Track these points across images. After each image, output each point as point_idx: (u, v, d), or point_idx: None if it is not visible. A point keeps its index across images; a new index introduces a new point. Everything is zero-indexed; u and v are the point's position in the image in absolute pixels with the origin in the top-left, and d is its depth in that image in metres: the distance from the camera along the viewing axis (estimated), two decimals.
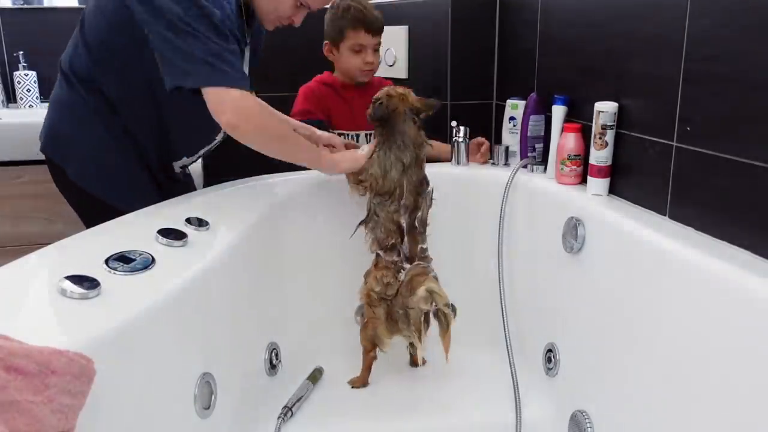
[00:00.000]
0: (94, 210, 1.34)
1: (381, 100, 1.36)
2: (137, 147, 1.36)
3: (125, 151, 1.35)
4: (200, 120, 1.28)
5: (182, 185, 1.51)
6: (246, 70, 1.38)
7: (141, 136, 1.36)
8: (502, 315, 1.48)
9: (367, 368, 1.45)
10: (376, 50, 1.76)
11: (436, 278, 1.34)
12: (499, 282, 1.51)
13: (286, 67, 2.06)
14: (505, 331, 1.46)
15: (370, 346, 1.41)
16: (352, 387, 1.45)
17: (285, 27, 1.40)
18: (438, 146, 1.83)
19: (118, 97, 1.31)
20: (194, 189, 1.56)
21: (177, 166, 1.49)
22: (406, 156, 1.35)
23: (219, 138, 1.47)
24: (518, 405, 1.36)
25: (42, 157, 1.82)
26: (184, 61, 1.18)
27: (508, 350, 1.44)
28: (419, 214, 1.38)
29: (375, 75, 1.91)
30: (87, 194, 1.36)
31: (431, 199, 1.42)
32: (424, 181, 1.40)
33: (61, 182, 1.40)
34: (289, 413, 1.31)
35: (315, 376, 1.44)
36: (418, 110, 1.37)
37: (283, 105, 1.68)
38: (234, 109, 1.21)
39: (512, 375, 1.41)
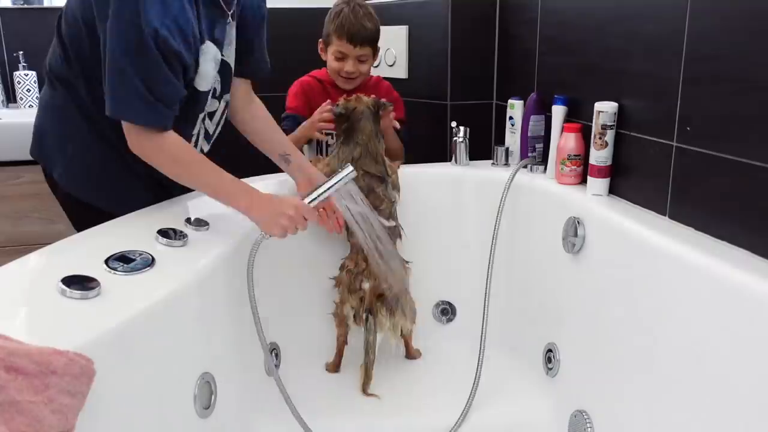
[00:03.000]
0: (81, 212, 1.31)
1: (340, 102, 1.52)
2: (118, 149, 1.25)
3: (107, 150, 1.28)
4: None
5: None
6: (228, 48, 1.28)
7: (118, 138, 1.22)
8: (484, 311, 1.47)
9: (338, 353, 1.54)
10: (362, 61, 1.70)
11: (391, 311, 1.44)
12: (487, 277, 1.50)
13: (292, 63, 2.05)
14: (483, 324, 1.45)
15: (341, 329, 1.50)
16: (327, 371, 1.54)
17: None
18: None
19: (93, 100, 1.23)
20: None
21: None
22: (357, 151, 1.46)
23: (195, 132, 1.33)
24: (469, 403, 1.38)
25: None
26: (108, 78, 1.11)
27: (481, 342, 1.44)
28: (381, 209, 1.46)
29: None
30: (74, 198, 1.32)
31: (389, 196, 1.49)
32: (379, 177, 1.48)
33: (52, 186, 1.35)
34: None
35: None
36: (374, 105, 1.51)
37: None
38: (141, 151, 1.17)
39: (478, 364, 1.41)
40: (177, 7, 1.08)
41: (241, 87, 1.41)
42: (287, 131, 1.73)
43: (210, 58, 1.22)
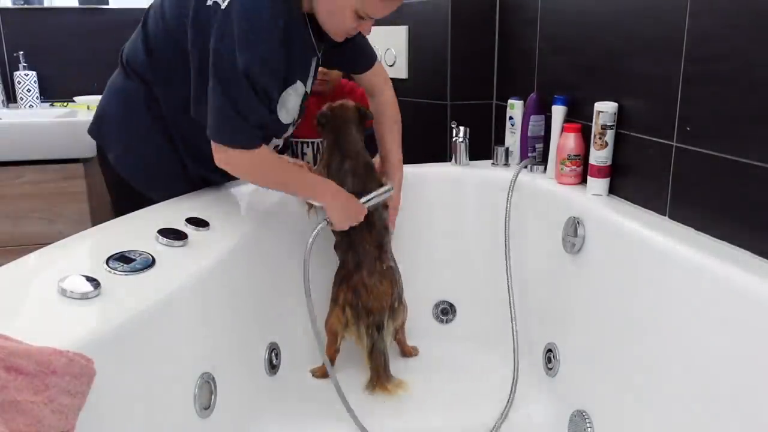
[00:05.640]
0: (127, 197, 1.37)
1: (324, 109, 1.50)
2: (176, 146, 1.37)
3: (166, 146, 1.36)
4: None
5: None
6: (309, 80, 1.37)
7: (179, 138, 1.36)
8: (511, 315, 1.47)
9: (329, 359, 1.48)
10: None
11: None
12: (508, 282, 1.51)
13: None
14: (513, 330, 1.46)
15: (332, 337, 1.46)
16: (314, 376, 1.49)
17: None
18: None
19: (165, 100, 1.32)
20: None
21: None
22: (347, 164, 1.44)
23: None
24: (510, 402, 1.37)
25: (41, 156, 1.84)
26: (209, 106, 1.20)
27: (514, 350, 1.44)
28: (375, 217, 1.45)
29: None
30: (123, 181, 1.38)
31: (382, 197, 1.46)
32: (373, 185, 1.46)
33: (103, 164, 1.42)
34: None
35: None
36: (361, 113, 1.50)
37: None
38: (228, 165, 1.26)
39: (514, 374, 1.41)
40: (267, 49, 1.17)
41: (364, 81, 1.52)
42: None
43: (298, 94, 1.33)
